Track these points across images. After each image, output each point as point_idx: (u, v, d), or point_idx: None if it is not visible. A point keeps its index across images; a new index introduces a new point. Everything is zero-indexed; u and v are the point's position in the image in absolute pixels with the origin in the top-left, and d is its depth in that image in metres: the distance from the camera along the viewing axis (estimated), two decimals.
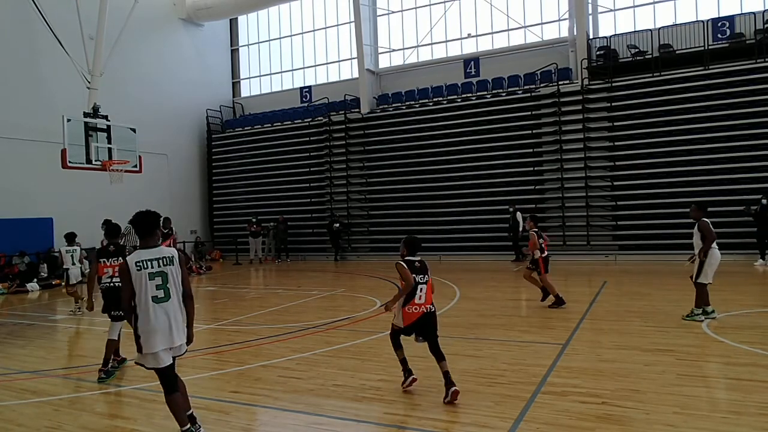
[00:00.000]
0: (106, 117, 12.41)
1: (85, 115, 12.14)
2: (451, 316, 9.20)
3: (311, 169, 22.79)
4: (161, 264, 4.15)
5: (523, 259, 17.75)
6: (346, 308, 10.46)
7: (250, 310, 10.64)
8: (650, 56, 17.50)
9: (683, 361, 6.01)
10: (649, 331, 7.47)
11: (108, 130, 12.34)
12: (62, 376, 6.59)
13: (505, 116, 19.05)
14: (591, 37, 19.05)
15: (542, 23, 20.73)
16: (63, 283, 11.67)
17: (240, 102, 26.75)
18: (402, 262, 5.34)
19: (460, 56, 21.59)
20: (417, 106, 21.14)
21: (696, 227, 7.90)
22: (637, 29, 18.62)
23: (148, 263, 4.12)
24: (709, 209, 8.19)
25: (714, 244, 7.81)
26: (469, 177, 19.42)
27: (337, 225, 20.97)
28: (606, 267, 15.68)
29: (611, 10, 19.73)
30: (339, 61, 24.79)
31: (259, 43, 26.84)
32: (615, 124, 17.59)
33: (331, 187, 22.31)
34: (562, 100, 18.26)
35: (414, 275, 5.23)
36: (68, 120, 11.53)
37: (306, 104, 24.12)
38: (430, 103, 20.92)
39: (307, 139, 22.96)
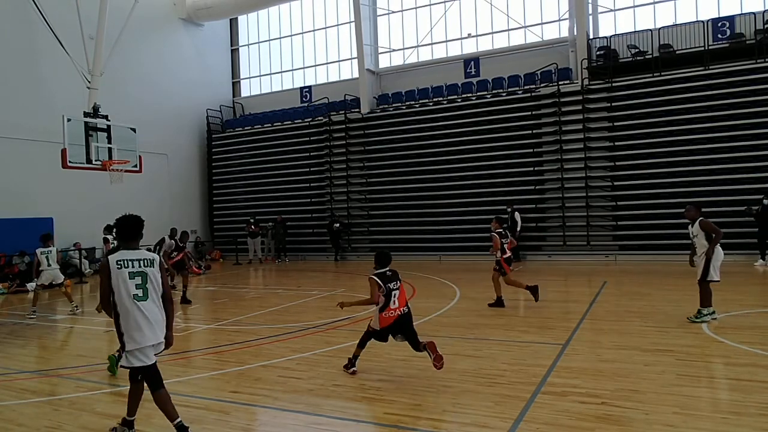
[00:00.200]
0: (106, 117, 12.39)
1: (85, 114, 12.12)
2: (451, 316, 9.19)
3: (311, 169, 22.79)
4: (142, 265, 4.27)
5: (522, 259, 17.80)
6: (346, 308, 10.40)
7: (250, 310, 10.64)
8: (650, 56, 17.48)
9: (683, 362, 6.01)
10: (649, 332, 7.47)
11: (108, 129, 12.31)
12: (62, 376, 6.59)
13: (505, 116, 19.03)
14: (591, 37, 19.04)
15: (542, 23, 20.72)
16: (35, 283, 11.31)
17: (240, 102, 26.74)
18: (373, 276, 5.87)
19: (460, 56, 21.58)
20: (417, 106, 21.13)
21: (697, 227, 7.85)
22: (637, 29, 18.61)
23: (129, 263, 4.23)
24: (710, 209, 8.20)
25: None
26: (469, 177, 19.41)
27: (337, 225, 20.99)
28: (606, 267, 15.69)
29: (611, 10, 19.72)
30: (339, 61, 24.78)
31: (259, 42, 26.83)
32: (615, 124, 17.58)
33: (331, 187, 22.31)
34: (562, 100, 18.24)
35: (386, 284, 5.79)
36: (68, 120, 11.51)
37: (306, 104, 24.11)
38: (430, 103, 20.91)
39: (307, 139, 22.95)
